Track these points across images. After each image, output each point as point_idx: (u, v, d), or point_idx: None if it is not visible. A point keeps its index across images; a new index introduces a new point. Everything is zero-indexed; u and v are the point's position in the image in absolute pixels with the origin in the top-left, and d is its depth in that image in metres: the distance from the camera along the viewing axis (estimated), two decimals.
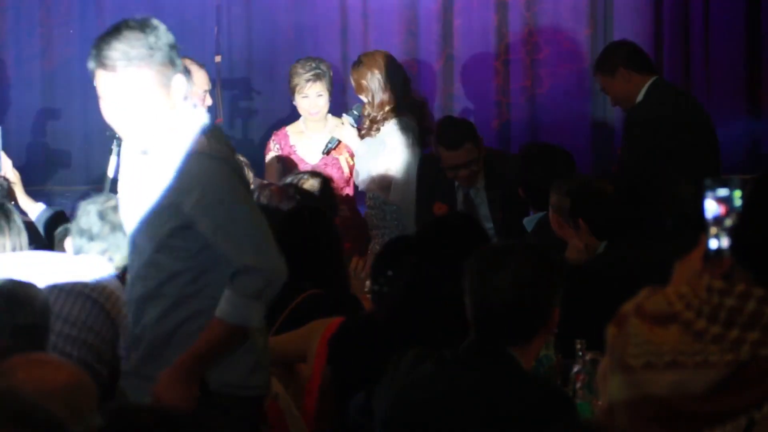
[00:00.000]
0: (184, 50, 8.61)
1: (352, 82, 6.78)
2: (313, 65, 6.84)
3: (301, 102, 6.80)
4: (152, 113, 3.58)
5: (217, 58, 8.75)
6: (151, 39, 3.56)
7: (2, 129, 5.60)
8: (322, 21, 9.09)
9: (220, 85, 8.65)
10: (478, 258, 3.29)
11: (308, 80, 6.77)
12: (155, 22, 3.62)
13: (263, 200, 5.23)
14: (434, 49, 9.23)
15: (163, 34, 3.62)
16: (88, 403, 2.56)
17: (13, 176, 5.24)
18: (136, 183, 3.71)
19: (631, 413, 2.35)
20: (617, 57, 6.40)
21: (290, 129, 6.94)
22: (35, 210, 5.25)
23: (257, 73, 9.08)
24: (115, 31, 3.56)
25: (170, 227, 3.60)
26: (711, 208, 2.37)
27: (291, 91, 6.85)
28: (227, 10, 8.96)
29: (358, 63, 6.79)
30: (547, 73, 9.29)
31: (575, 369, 3.95)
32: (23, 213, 5.16)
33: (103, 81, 3.58)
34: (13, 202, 5.04)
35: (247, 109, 8.94)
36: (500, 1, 9.23)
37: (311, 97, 6.77)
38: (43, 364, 2.59)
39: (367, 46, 9.18)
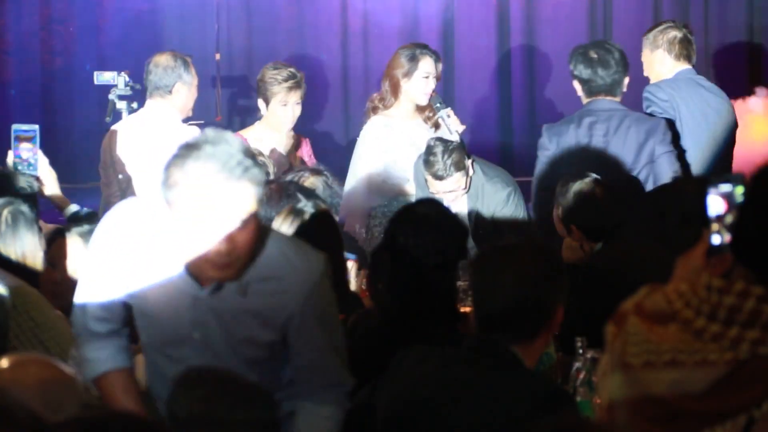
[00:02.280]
0: (184, 48, 8.66)
1: (436, 72, 6.59)
2: (291, 72, 6.61)
3: (278, 110, 6.58)
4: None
5: (217, 56, 8.76)
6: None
7: (2, 127, 5.60)
8: (322, 19, 9.09)
9: (219, 82, 8.65)
10: (482, 256, 3.29)
11: (290, 88, 6.57)
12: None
13: (263, 198, 5.22)
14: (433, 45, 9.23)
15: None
16: (72, 400, 2.56)
17: (49, 174, 5.21)
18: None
19: (630, 412, 2.35)
20: (662, 39, 6.45)
21: (248, 135, 6.67)
22: (68, 209, 5.23)
23: (256, 71, 9.08)
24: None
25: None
26: (713, 204, 2.37)
27: (264, 98, 6.60)
28: (227, 8, 8.97)
29: (437, 55, 6.67)
30: (546, 76, 9.29)
31: (575, 366, 3.95)
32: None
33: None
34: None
35: (246, 106, 8.93)
36: (500, 1, 9.24)
37: (290, 105, 6.59)
38: (27, 362, 2.60)
39: (367, 45, 9.20)
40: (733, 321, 2.26)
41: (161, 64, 6.46)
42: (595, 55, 6.03)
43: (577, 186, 5.06)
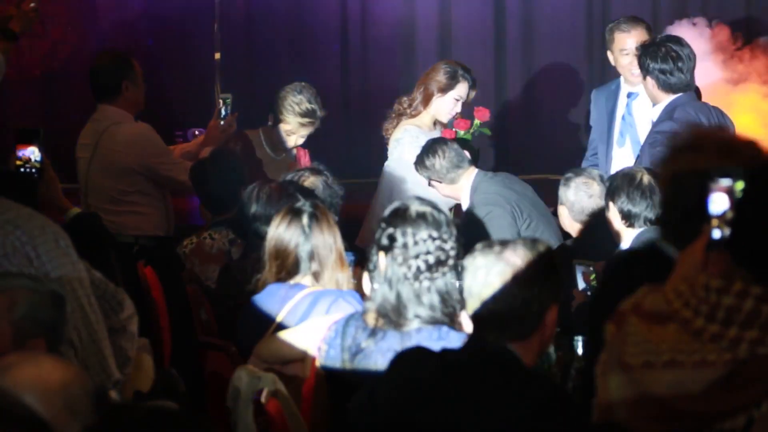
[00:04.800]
0: (184, 47, 8.60)
1: (467, 98, 6.61)
2: (312, 110, 6.55)
3: (281, 134, 6.57)
4: None
5: (217, 56, 8.75)
6: None
7: (2, 128, 5.60)
8: (321, 18, 9.09)
9: (219, 82, 8.64)
10: (472, 254, 3.29)
11: (303, 125, 6.55)
12: None
13: (263, 197, 5.23)
14: (432, 48, 9.25)
15: None
16: (85, 401, 2.56)
17: (51, 177, 5.20)
18: None
19: (630, 412, 2.34)
20: None
21: (251, 136, 6.70)
22: (70, 212, 5.22)
23: (256, 71, 9.08)
24: None
25: None
26: (715, 200, 2.38)
27: (274, 115, 6.59)
28: (227, 7, 8.97)
29: (475, 82, 6.66)
30: (544, 77, 9.30)
31: (575, 366, 3.95)
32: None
33: None
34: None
35: (244, 106, 8.95)
36: (497, 6, 9.24)
37: (295, 137, 6.59)
38: (40, 362, 2.59)
39: (365, 45, 9.18)
40: (732, 321, 2.26)
41: (104, 66, 6.39)
42: (674, 53, 6.07)
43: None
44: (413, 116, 6.59)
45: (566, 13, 9.23)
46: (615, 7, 9.12)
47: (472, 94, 6.63)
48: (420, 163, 6.14)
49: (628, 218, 5.11)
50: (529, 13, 9.24)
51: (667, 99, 6.08)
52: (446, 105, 6.55)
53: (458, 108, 6.58)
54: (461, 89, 6.55)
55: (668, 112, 6.04)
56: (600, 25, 9.07)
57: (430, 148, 6.14)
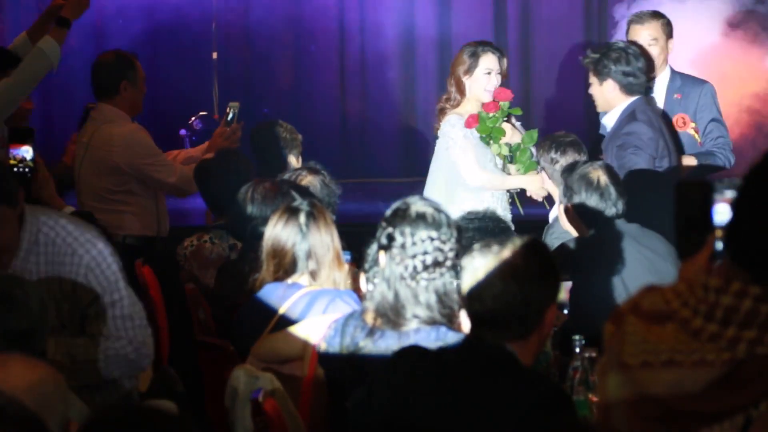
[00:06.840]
0: (182, 47, 8.58)
1: (500, 68, 6.59)
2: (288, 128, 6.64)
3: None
4: None
5: (214, 55, 8.75)
6: None
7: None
8: (319, 18, 9.10)
9: (216, 81, 8.64)
10: (471, 254, 3.29)
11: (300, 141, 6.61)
12: None
13: (258, 197, 5.22)
14: (430, 60, 9.25)
15: None
16: (58, 401, 2.55)
17: (45, 176, 5.21)
18: None
19: (629, 412, 2.34)
20: None
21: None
22: (65, 211, 5.21)
23: (254, 71, 9.08)
24: None
25: None
26: (719, 211, 2.38)
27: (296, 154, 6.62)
28: (225, 7, 8.97)
29: (501, 51, 6.66)
30: (543, 75, 9.30)
31: (573, 365, 3.95)
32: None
33: None
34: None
35: (243, 105, 8.96)
36: (497, 8, 9.23)
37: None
38: (12, 363, 2.58)
39: (364, 44, 9.18)
40: (731, 321, 2.25)
41: (105, 64, 6.41)
42: (632, 55, 6.10)
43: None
44: (455, 107, 6.61)
45: (566, 27, 9.24)
46: (611, 8, 9.12)
47: (504, 62, 6.60)
48: (548, 149, 6.11)
49: (585, 218, 5.07)
50: (529, 24, 9.25)
51: (624, 103, 6.08)
52: (478, 82, 6.56)
53: (494, 80, 6.55)
54: (487, 62, 6.55)
55: (629, 115, 6.04)
56: (598, 35, 9.08)
57: (568, 145, 6.10)
